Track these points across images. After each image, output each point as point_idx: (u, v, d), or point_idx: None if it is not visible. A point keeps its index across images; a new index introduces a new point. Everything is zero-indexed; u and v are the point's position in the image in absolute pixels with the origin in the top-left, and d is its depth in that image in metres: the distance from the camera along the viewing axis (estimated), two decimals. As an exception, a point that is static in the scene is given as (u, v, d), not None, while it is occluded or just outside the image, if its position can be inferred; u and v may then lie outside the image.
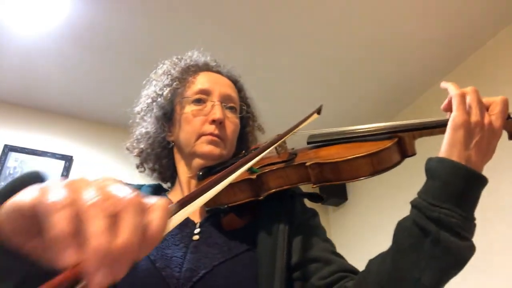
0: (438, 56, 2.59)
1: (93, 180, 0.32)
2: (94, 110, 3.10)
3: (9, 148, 2.94)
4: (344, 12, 2.28)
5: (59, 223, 0.28)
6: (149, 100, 0.93)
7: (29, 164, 2.94)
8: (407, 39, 2.45)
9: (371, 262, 0.64)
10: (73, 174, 3.02)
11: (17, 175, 0.36)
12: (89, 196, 0.30)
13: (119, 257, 0.28)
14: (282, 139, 0.72)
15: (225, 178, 0.48)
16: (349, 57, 2.61)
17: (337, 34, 2.44)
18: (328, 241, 0.78)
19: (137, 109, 0.96)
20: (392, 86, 2.85)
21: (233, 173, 0.50)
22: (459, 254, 0.55)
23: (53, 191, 0.31)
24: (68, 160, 3.05)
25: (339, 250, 0.75)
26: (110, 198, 0.30)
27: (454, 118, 0.60)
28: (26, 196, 0.33)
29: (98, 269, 0.27)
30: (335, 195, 3.54)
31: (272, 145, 0.68)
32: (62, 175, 2.98)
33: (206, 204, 0.75)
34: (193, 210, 0.41)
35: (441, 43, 2.48)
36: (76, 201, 0.30)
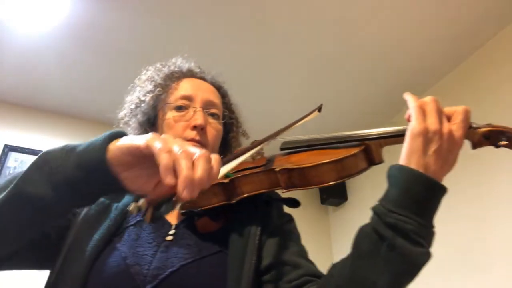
0: (438, 56, 2.59)
1: (176, 139, 0.52)
2: (94, 110, 3.09)
3: (9, 148, 2.94)
4: (344, 12, 2.29)
5: (166, 159, 0.48)
6: (133, 106, 0.94)
7: (29, 164, 2.94)
8: (407, 39, 2.46)
9: (333, 266, 0.66)
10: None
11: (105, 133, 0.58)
12: (178, 147, 0.49)
13: (196, 184, 0.47)
14: (285, 131, 0.75)
15: (252, 149, 0.69)
16: (348, 57, 2.61)
17: (337, 34, 2.44)
18: (300, 246, 0.80)
19: (121, 114, 0.98)
20: (391, 86, 2.85)
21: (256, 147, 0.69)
22: (413, 260, 0.57)
23: (162, 140, 0.50)
24: (68, 160, 3.04)
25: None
26: (190, 150, 0.49)
27: (411, 127, 0.61)
28: (139, 141, 0.52)
29: (184, 189, 0.46)
30: (335, 195, 3.54)
31: (275, 136, 0.73)
32: (62, 175, 2.98)
33: (181, 207, 0.78)
34: (231, 167, 0.65)
35: (441, 43, 2.48)
36: (172, 148, 0.49)
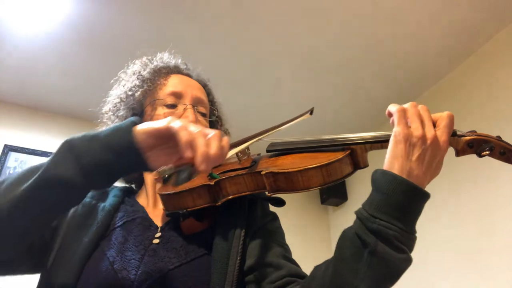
0: (437, 57, 2.59)
1: (190, 122, 0.60)
2: (94, 111, 3.09)
3: (9, 148, 2.94)
4: (341, 12, 2.29)
5: (185, 136, 0.55)
6: (118, 100, 0.93)
7: (29, 164, 2.94)
8: (406, 39, 2.46)
9: (316, 268, 0.67)
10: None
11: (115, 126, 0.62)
12: (194, 127, 0.57)
13: (211, 160, 0.55)
14: (279, 128, 0.77)
15: (267, 133, 0.74)
16: (346, 57, 2.61)
17: (334, 35, 2.44)
18: (283, 245, 0.80)
19: (105, 109, 0.97)
20: (390, 87, 2.85)
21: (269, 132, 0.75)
22: (395, 266, 0.57)
23: (179, 121, 0.58)
24: (68, 160, 3.04)
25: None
26: (205, 130, 0.57)
27: (395, 132, 0.62)
28: (159, 124, 0.58)
29: (202, 163, 0.54)
30: (335, 195, 3.54)
31: (274, 130, 0.75)
32: (62, 175, 2.98)
33: (167, 208, 0.78)
34: (238, 150, 0.73)
35: (441, 44, 2.48)
36: (190, 127, 0.57)
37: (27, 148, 2.98)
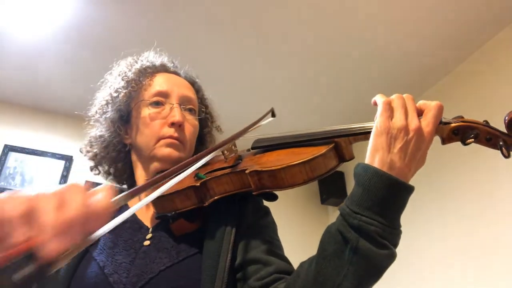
0: (437, 57, 2.59)
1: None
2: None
3: (9, 148, 2.94)
4: (342, 10, 2.29)
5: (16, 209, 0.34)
6: (104, 103, 0.92)
7: (29, 164, 2.95)
8: (407, 38, 2.45)
9: (301, 265, 0.66)
10: (73, 174, 3.02)
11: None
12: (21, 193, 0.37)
13: (66, 228, 0.33)
14: (232, 142, 0.73)
15: (171, 179, 0.54)
16: (344, 56, 2.61)
17: (333, 32, 2.44)
18: (273, 241, 0.78)
19: (92, 111, 0.95)
20: (391, 85, 2.85)
21: (177, 175, 0.56)
22: (377, 262, 0.56)
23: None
24: (68, 160, 3.05)
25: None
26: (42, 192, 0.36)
27: (376, 124, 0.60)
28: None
29: (48, 239, 0.32)
30: (335, 195, 3.54)
31: (217, 148, 0.69)
32: (62, 175, 2.99)
33: (156, 210, 0.77)
34: (138, 207, 0.49)
35: (441, 44, 2.48)
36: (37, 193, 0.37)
37: (27, 148, 2.98)
